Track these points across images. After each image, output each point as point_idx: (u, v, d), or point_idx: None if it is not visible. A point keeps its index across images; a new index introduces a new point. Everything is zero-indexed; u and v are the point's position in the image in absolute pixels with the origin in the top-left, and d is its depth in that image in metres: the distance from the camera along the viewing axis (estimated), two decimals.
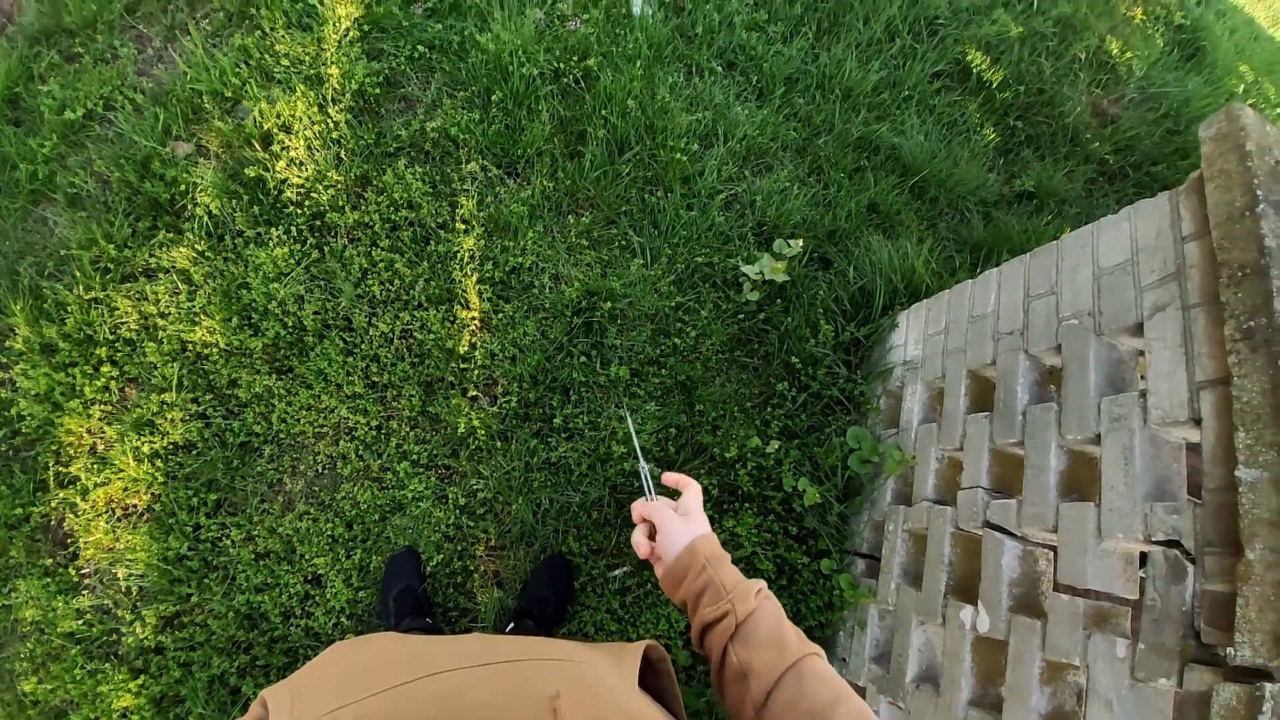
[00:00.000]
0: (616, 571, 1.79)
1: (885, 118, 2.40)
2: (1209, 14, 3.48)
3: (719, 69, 2.34)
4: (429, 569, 1.69)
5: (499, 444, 1.80)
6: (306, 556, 1.63)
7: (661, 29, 2.29)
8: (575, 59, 2.17)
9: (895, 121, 2.41)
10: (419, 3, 2.16)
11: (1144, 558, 1.05)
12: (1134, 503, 1.07)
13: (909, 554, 1.65)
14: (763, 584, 0.71)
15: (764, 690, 0.61)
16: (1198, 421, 1.02)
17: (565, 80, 2.16)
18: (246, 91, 1.93)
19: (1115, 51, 2.91)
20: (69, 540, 1.57)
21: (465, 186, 1.99)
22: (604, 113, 2.11)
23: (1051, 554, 1.28)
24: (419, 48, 2.09)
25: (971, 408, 1.58)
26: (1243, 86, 3.31)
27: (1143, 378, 1.22)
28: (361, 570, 1.65)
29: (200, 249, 1.79)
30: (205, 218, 1.80)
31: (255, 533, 1.63)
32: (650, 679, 0.70)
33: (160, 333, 1.72)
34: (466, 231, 1.95)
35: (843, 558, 1.83)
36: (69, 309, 1.71)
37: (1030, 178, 2.46)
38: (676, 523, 0.77)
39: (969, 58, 2.60)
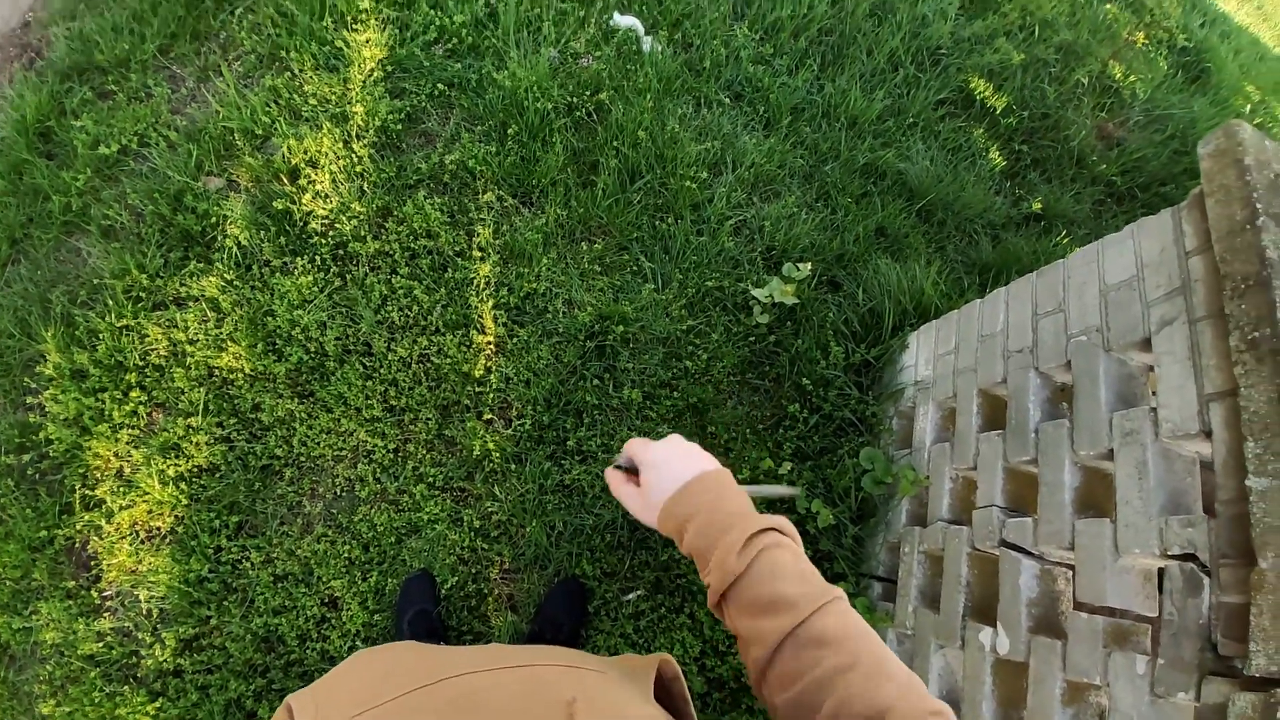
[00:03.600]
0: (630, 595, 1.78)
1: (891, 144, 2.45)
2: (1213, 36, 3.52)
3: (727, 100, 2.41)
4: (443, 592, 1.69)
5: (513, 466, 1.82)
6: (323, 579, 1.65)
7: (670, 64, 2.38)
8: (588, 93, 2.26)
9: (901, 148, 2.46)
10: (440, 44, 2.27)
11: (1162, 574, 1.04)
12: (1149, 517, 1.06)
13: (926, 576, 1.63)
14: (783, 521, 0.61)
15: (763, 659, 0.54)
16: (1208, 434, 1.02)
17: (578, 113, 2.24)
18: (276, 129, 2.02)
19: (1118, 76, 2.96)
20: (92, 563, 1.60)
21: (482, 216, 2.06)
22: (615, 143, 2.18)
23: (1070, 572, 1.26)
24: (439, 86, 2.18)
25: (984, 426, 1.58)
26: (1249, 106, 3.33)
27: (1153, 392, 1.23)
28: (377, 593, 1.66)
29: (229, 278, 1.86)
30: (234, 248, 1.87)
31: (274, 555, 1.66)
32: (664, 697, 0.69)
33: (188, 359, 1.77)
34: (483, 259, 2.00)
35: (859, 581, 1.81)
36: (100, 336, 1.77)
37: (1037, 200, 2.49)
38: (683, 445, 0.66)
39: (972, 85, 2.66)
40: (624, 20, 2.38)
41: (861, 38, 2.61)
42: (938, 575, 1.58)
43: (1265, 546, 0.78)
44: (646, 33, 2.42)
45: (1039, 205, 2.46)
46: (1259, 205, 1.06)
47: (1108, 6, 3.20)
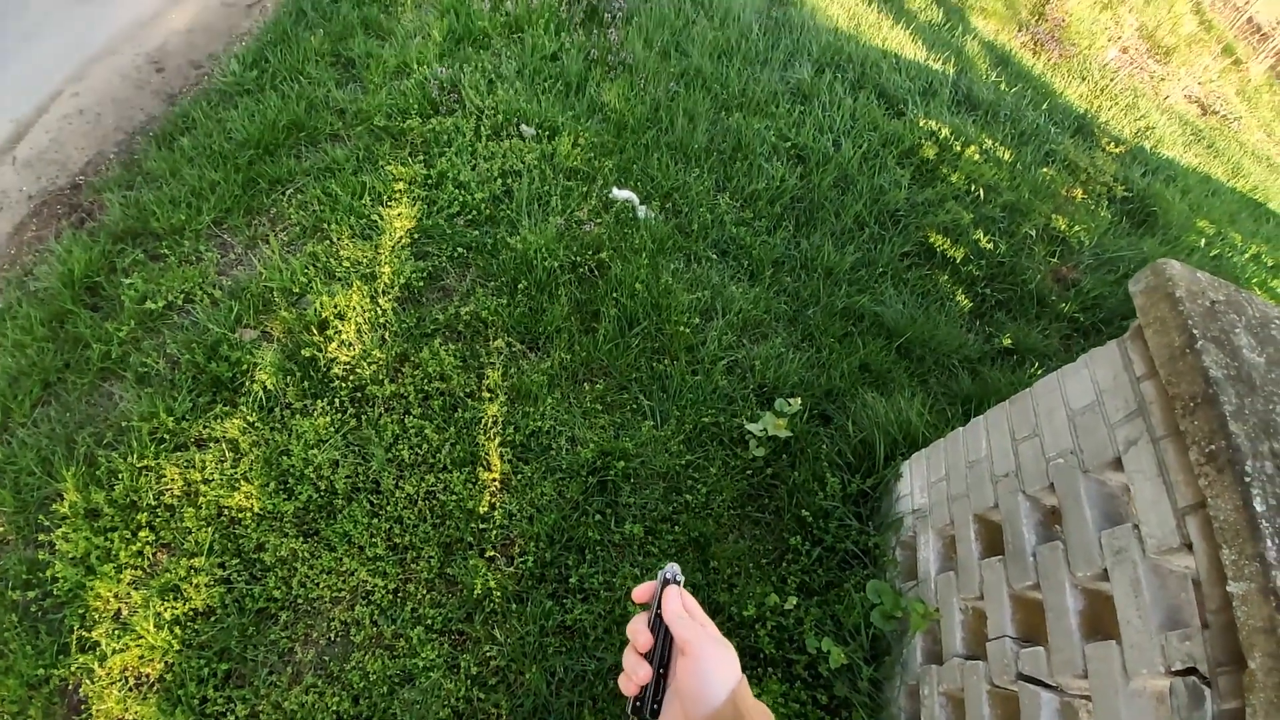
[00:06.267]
0: None
1: (865, 290, 2.70)
2: (1156, 183, 3.93)
3: (714, 256, 2.70)
4: None
5: (514, 606, 1.79)
6: None
7: (663, 227, 2.69)
8: (590, 253, 2.54)
9: (874, 293, 2.70)
10: (461, 215, 2.60)
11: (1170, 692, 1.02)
12: (1150, 635, 1.06)
13: None
14: None
15: None
16: (1190, 545, 1.06)
17: (581, 270, 2.50)
18: (311, 287, 2.26)
19: (1063, 227, 3.32)
20: (83, 707, 1.52)
21: (492, 360, 2.22)
22: (615, 295, 2.41)
23: (1089, 703, 1.22)
24: (459, 249, 2.47)
25: (984, 552, 1.59)
26: (1204, 240, 3.62)
27: (1134, 509, 1.27)
28: None
29: (251, 419, 1.96)
30: (260, 392, 2.00)
31: (260, 707, 1.57)
32: None
33: (200, 498, 1.82)
34: (491, 399, 2.13)
35: None
36: (119, 476, 1.83)
37: (1007, 336, 2.68)
38: (715, 650, 0.58)
39: (931, 240, 2.98)
40: (621, 193, 2.74)
41: (829, 204, 2.98)
42: (961, 719, 1.50)
43: (1252, 647, 0.80)
44: (641, 203, 2.78)
45: (1009, 341, 2.64)
46: (1195, 331, 1.19)
47: (1045, 170, 3.68)
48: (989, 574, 1.52)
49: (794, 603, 1.82)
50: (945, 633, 1.61)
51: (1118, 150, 4.21)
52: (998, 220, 3.19)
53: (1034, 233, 3.21)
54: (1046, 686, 1.28)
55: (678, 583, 0.63)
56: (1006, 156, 3.65)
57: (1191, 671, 0.93)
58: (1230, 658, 0.84)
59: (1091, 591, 1.28)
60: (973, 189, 3.28)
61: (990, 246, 3.03)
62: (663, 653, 0.60)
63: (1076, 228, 3.33)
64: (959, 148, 3.49)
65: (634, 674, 0.59)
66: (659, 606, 0.61)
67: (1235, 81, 6.28)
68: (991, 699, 1.41)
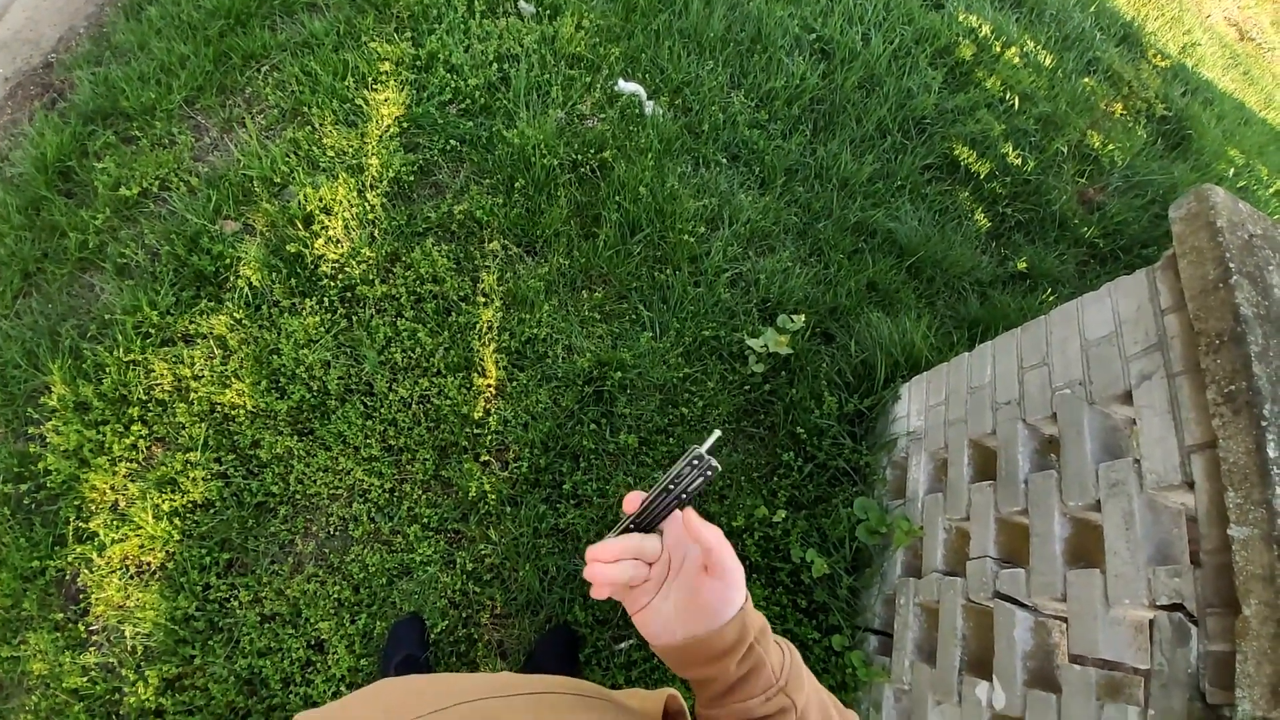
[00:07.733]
0: (623, 644, 1.75)
1: (880, 205, 2.56)
2: (1195, 104, 3.67)
3: (724, 160, 2.53)
4: (432, 637, 1.67)
5: (509, 509, 1.82)
6: (311, 620, 1.62)
7: (671, 126, 2.51)
8: (592, 151, 2.37)
9: (890, 208, 2.57)
10: (454, 104, 2.40)
11: (1152, 625, 1.04)
12: (1137, 568, 1.07)
13: (922, 629, 1.62)
14: (792, 648, 0.61)
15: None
16: (1191, 485, 1.05)
17: (582, 170, 2.34)
18: (294, 177, 2.12)
19: (1097, 144, 3.11)
20: (81, 596, 1.58)
21: (487, 263, 2.13)
22: (617, 198, 2.28)
23: (1063, 624, 1.26)
24: (451, 141, 2.30)
25: (975, 477, 1.60)
26: (1233, 170, 3.44)
27: (1137, 444, 1.26)
28: (365, 636, 1.64)
29: (238, 317, 1.90)
30: (246, 289, 1.93)
31: (263, 594, 1.64)
32: None
33: (192, 394, 1.80)
34: (486, 304, 2.06)
35: (854, 634, 1.79)
36: (107, 369, 1.80)
37: (1022, 260, 2.58)
38: (736, 566, 0.57)
39: (956, 152, 2.80)
40: (627, 86, 2.52)
41: (851, 107, 2.76)
42: (934, 628, 1.57)
43: (1248, 594, 0.80)
44: (649, 98, 2.57)
45: (1024, 265, 2.55)
46: (1232, 265, 1.12)
47: (1085, 80, 3.40)
48: (978, 497, 1.53)
49: (782, 515, 1.86)
50: (927, 550, 1.66)
51: (1163, 64, 3.89)
52: (1029, 133, 2.98)
53: (1066, 149, 3.01)
54: (1022, 606, 1.32)
55: (713, 469, 0.53)
56: (1047, 62, 3.36)
57: (1178, 608, 0.94)
58: (1221, 600, 0.85)
59: (1080, 520, 1.29)
60: (1007, 97, 3.04)
61: (1018, 162, 2.85)
62: (653, 519, 0.56)
63: (1111, 146, 3.13)
64: (998, 49, 3.20)
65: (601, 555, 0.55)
66: (675, 480, 0.54)
67: (1270, 12, 5.80)
68: (966, 612, 1.47)
